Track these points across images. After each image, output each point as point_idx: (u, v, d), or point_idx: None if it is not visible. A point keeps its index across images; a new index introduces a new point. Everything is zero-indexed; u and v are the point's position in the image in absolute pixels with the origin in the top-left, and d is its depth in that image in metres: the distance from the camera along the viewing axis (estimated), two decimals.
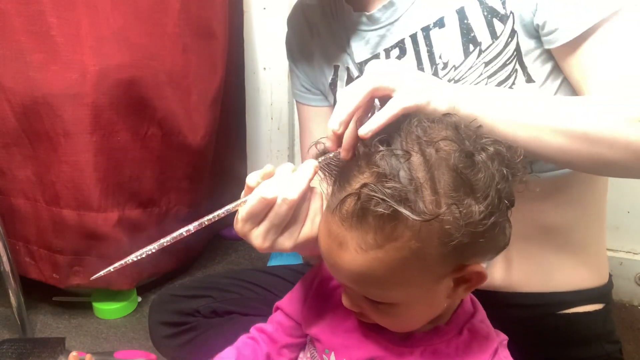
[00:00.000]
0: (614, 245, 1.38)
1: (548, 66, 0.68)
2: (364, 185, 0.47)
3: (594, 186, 0.76)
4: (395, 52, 0.75)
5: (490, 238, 0.49)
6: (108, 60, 1.18)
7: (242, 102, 1.62)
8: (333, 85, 0.85)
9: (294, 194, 0.53)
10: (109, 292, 1.36)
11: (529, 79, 0.69)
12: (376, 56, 0.77)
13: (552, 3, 0.63)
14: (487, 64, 0.69)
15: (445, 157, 0.48)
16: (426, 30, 0.72)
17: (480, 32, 0.69)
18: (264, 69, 1.57)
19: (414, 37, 0.73)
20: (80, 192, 1.22)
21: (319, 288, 0.66)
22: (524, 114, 0.60)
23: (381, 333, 0.58)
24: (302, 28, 0.89)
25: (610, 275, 0.81)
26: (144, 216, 1.32)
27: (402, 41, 0.74)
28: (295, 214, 0.55)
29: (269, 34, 1.52)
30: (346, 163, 0.53)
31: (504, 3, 0.67)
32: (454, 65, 0.71)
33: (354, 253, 0.48)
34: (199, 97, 1.36)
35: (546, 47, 0.67)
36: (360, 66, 0.79)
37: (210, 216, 0.57)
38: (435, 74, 0.72)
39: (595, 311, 0.77)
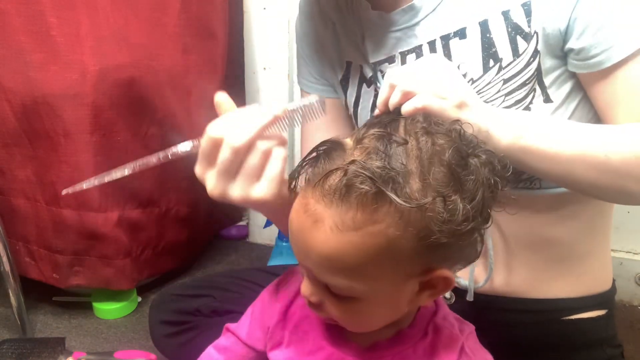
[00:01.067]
0: (614, 245, 1.38)
1: (567, 87, 0.67)
2: (353, 161, 0.45)
3: (600, 201, 0.75)
4: (412, 57, 0.73)
5: (465, 244, 0.48)
6: (108, 60, 1.18)
7: (242, 102, 1.62)
8: (344, 82, 0.82)
9: (238, 139, 0.51)
10: (109, 292, 1.36)
11: (547, 99, 0.67)
12: (391, 58, 0.74)
13: (589, 29, 0.62)
14: (506, 81, 0.67)
15: (440, 150, 0.47)
16: (446, 39, 0.70)
17: (502, 48, 0.67)
18: (264, 69, 1.56)
19: (432, 44, 0.71)
20: (80, 192, 1.22)
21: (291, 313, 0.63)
22: (557, 145, 0.59)
23: (347, 346, 0.57)
24: (314, 16, 0.85)
25: (613, 280, 0.81)
26: (144, 216, 1.32)
27: (419, 47, 0.72)
28: (246, 164, 0.53)
29: (269, 34, 1.52)
30: (331, 143, 0.50)
31: (529, 22, 0.65)
32: (471, 79, 0.69)
33: (328, 232, 0.46)
34: (199, 97, 1.36)
35: (575, 70, 0.65)
36: (375, 66, 0.76)
37: (167, 151, 0.57)
38: None
39: (598, 317, 0.77)
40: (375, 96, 0.76)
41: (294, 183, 0.52)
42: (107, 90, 1.18)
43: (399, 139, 0.47)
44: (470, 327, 0.59)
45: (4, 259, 1.18)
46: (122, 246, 1.30)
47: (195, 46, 1.33)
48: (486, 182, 0.48)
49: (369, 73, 0.78)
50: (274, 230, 1.63)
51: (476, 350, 0.57)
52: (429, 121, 0.50)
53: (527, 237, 0.73)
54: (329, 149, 0.49)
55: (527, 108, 0.67)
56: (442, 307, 0.59)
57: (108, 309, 1.36)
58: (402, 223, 0.45)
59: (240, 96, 1.60)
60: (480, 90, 0.68)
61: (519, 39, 0.66)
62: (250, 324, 0.67)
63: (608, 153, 0.59)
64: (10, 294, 1.22)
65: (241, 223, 1.76)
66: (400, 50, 0.73)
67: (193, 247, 1.54)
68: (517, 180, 0.69)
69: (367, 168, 0.44)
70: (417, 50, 0.72)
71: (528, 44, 0.65)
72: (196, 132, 0.59)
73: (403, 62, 0.73)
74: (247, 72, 1.59)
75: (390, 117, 0.52)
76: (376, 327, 0.54)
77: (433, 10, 0.69)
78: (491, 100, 0.68)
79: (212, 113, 0.58)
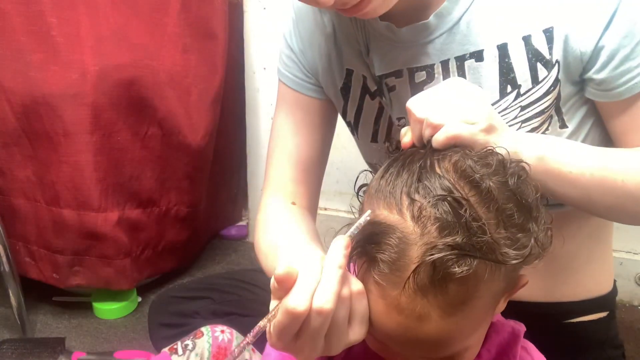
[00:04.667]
0: (614, 245, 1.37)
1: (582, 111, 0.66)
2: (433, 246, 0.42)
3: None
4: (421, 75, 0.68)
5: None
6: (108, 60, 1.18)
7: (242, 102, 1.62)
8: (345, 91, 0.77)
9: (328, 303, 0.44)
10: (109, 292, 1.36)
11: (563, 125, 0.65)
12: (398, 73, 0.69)
13: (614, 60, 0.60)
14: (523, 108, 0.64)
15: (493, 184, 0.45)
16: (461, 60, 0.65)
17: (522, 74, 0.63)
18: (264, 69, 1.56)
19: (445, 64, 0.66)
20: (80, 192, 1.22)
21: None
22: (577, 169, 0.58)
23: None
24: (315, 15, 0.77)
25: (614, 281, 0.81)
26: (144, 216, 1.32)
27: (431, 66, 0.67)
28: (336, 319, 0.46)
29: (269, 34, 1.52)
30: (374, 227, 0.45)
31: (550, 49, 0.62)
32: None
33: (438, 321, 0.44)
34: (199, 97, 1.36)
35: (593, 98, 0.64)
36: (380, 79, 0.71)
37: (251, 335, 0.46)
38: None
39: (600, 319, 0.77)
40: (380, 109, 0.74)
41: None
42: (107, 90, 1.18)
43: (458, 197, 0.43)
44: (522, 326, 0.59)
45: (4, 259, 1.18)
46: (122, 246, 1.30)
47: (195, 46, 1.33)
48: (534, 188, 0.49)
49: (373, 86, 0.73)
50: None
51: (529, 346, 0.58)
52: (468, 158, 0.47)
53: None
54: (379, 236, 0.44)
55: (543, 134, 0.66)
56: None
57: (108, 309, 1.36)
58: (502, 274, 0.45)
59: (240, 96, 1.60)
60: None
61: (539, 66, 0.62)
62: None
63: (625, 178, 0.58)
64: (10, 294, 1.22)
65: (241, 223, 1.75)
66: (409, 67, 0.68)
67: (193, 247, 1.54)
68: None
69: (453, 246, 0.41)
70: (429, 69, 0.67)
71: (549, 72, 0.62)
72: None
73: (411, 78, 0.68)
74: (247, 72, 1.59)
75: (416, 156, 0.49)
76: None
77: (449, 29, 0.65)
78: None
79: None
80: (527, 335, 0.59)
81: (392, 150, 0.63)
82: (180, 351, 0.82)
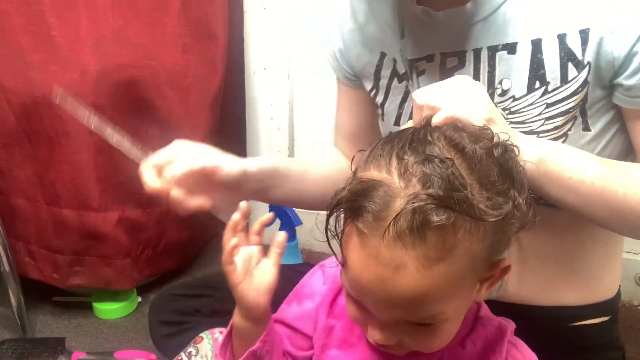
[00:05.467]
0: None
1: (607, 117, 0.65)
2: (415, 195, 0.43)
3: None
4: (453, 61, 0.68)
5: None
6: (108, 60, 1.18)
7: (242, 102, 1.62)
8: (377, 73, 0.77)
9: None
10: (109, 292, 1.36)
11: (586, 127, 0.65)
12: (430, 57, 0.70)
13: None
14: (549, 105, 0.64)
15: (481, 150, 0.47)
16: (493, 50, 0.66)
17: (551, 72, 0.63)
18: (264, 69, 1.56)
19: (477, 53, 0.67)
20: (80, 192, 1.22)
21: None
22: (577, 176, 0.59)
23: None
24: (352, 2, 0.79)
25: (619, 286, 0.81)
26: (144, 216, 1.32)
27: (463, 53, 0.67)
28: None
29: (269, 34, 1.52)
30: (361, 184, 0.47)
31: (584, 50, 0.61)
32: (513, 96, 0.66)
33: (415, 273, 0.44)
34: (199, 97, 1.36)
35: (620, 104, 0.64)
36: (411, 64, 0.72)
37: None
38: (491, 98, 0.65)
39: (603, 322, 0.76)
40: (406, 93, 0.75)
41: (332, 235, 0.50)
42: (107, 90, 1.18)
43: (443, 157, 0.45)
44: (511, 323, 0.59)
45: (4, 259, 1.18)
46: (122, 246, 1.30)
47: (195, 46, 1.33)
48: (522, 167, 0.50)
49: (402, 69, 0.74)
50: (273, 229, 1.63)
51: (519, 342, 0.58)
52: (459, 131, 0.49)
53: (542, 249, 0.72)
54: (366, 191, 0.46)
55: (565, 135, 0.65)
56: (482, 302, 0.60)
57: (108, 309, 1.36)
58: (481, 235, 0.45)
59: (240, 96, 1.60)
60: (520, 109, 0.66)
61: (570, 65, 0.62)
62: (305, 314, 0.65)
63: (627, 192, 0.59)
64: (10, 294, 1.22)
65: None
66: (442, 51, 0.69)
67: (193, 247, 1.54)
68: (539, 197, 0.66)
69: (434, 197, 0.43)
70: (460, 55, 0.68)
71: (579, 72, 0.62)
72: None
73: (443, 63, 0.69)
74: (247, 72, 1.59)
75: (412, 132, 0.50)
76: (450, 340, 0.53)
77: (485, 17, 0.65)
78: (529, 122, 0.65)
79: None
80: (529, 337, 0.59)
81: None
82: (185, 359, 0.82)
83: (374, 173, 0.48)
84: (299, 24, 1.47)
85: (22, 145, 1.20)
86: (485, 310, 0.59)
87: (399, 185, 0.45)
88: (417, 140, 0.48)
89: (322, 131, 1.16)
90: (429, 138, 0.48)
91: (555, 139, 0.65)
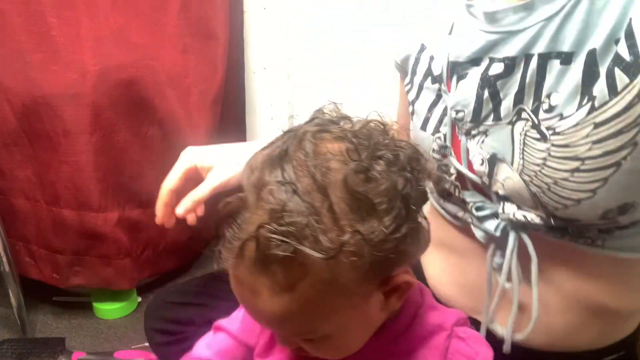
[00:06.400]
0: None
1: None
2: (260, 226, 0.43)
3: None
4: (498, 67, 0.59)
5: (406, 245, 0.47)
6: (108, 60, 1.18)
7: (242, 102, 1.62)
8: (414, 67, 0.72)
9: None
10: (109, 292, 1.36)
11: None
12: (477, 61, 0.61)
13: None
14: (597, 125, 0.52)
15: (338, 178, 0.44)
16: (544, 58, 0.56)
17: (597, 83, 0.52)
18: (264, 69, 1.56)
19: (527, 59, 0.57)
20: (80, 192, 1.22)
21: None
22: None
23: None
24: None
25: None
26: (144, 216, 1.32)
27: (512, 59, 0.58)
28: None
29: (269, 34, 1.52)
30: (234, 202, 0.48)
31: (632, 47, 0.50)
32: (560, 114, 0.55)
33: (268, 299, 0.45)
34: (199, 97, 1.36)
35: None
36: (453, 67, 0.64)
37: None
38: (535, 112, 0.57)
39: (619, 357, 0.71)
40: (438, 96, 0.68)
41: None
42: (107, 90, 1.18)
43: (293, 184, 0.44)
44: (462, 314, 0.58)
45: (4, 259, 1.18)
46: (122, 246, 1.30)
47: (195, 46, 1.33)
48: (401, 182, 0.46)
49: (437, 69, 0.67)
50: None
51: (471, 333, 0.56)
52: (312, 144, 0.47)
53: (576, 295, 0.65)
54: (234, 211, 0.47)
55: (618, 164, 0.52)
56: (427, 298, 0.58)
57: (108, 309, 1.36)
58: (332, 266, 0.44)
59: (240, 96, 1.60)
60: (565, 130, 0.54)
61: (617, 71, 0.50)
62: (245, 317, 0.65)
63: None
64: (10, 294, 1.22)
65: None
66: (490, 55, 0.60)
67: (193, 247, 1.53)
68: (579, 236, 0.60)
69: (276, 230, 0.42)
70: (508, 62, 0.58)
71: (631, 78, 0.50)
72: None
73: (487, 68, 0.60)
74: (247, 72, 1.59)
75: (279, 146, 0.49)
76: (360, 346, 0.53)
77: (547, 18, 0.56)
78: (574, 146, 0.54)
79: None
80: None
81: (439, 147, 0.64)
82: None
83: (246, 193, 0.48)
84: (299, 24, 1.47)
85: (22, 145, 1.21)
86: (429, 304, 0.57)
87: (255, 210, 0.45)
88: (282, 160, 0.46)
89: None
90: (292, 161, 0.46)
91: (604, 168, 0.53)
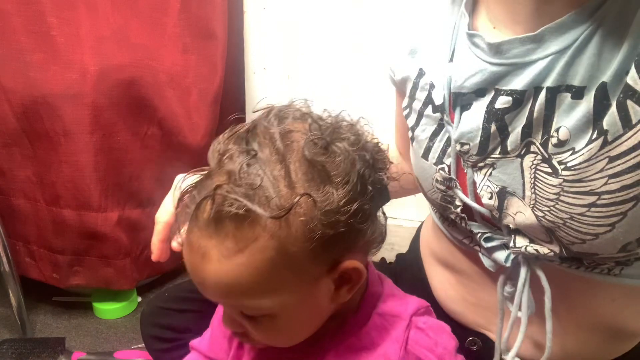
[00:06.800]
0: None
1: None
2: (217, 186, 0.45)
3: None
4: (505, 101, 0.56)
5: (358, 228, 0.48)
6: (108, 60, 1.18)
7: (242, 102, 1.62)
8: (414, 90, 0.68)
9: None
10: (109, 292, 1.36)
11: None
12: (481, 92, 0.58)
13: None
14: (612, 159, 0.50)
15: (297, 147, 0.47)
16: (553, 92, 0.53)
17: (608, 116, 0.49)
18: (264, 69, 1.56)
19: (537, 92, 0.54)
20: (80, 192, 1.22)
21: None
22: None
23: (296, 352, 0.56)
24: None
25: None
26: (144, 216, 1.32)
27: (521, 92, 0.55)
28: None
29: (269, 34, 1.52)
30: (201, 173, 0.51)
31: None
32: (572, 148, 0.52)
33: (217, 263, 0.46)
34: (199, 97, 1.36)
35: None
36: (455, 97, 0.60)
37: None
38: (545, 146, 0.54)
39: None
40: (440, 126, 0.64)
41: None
42: (107, 90, 1.18)
43: (254, 150, 0.47)
44: (423, 303, 0.58)
45: (4, 259, 1.18)
46: (122, 246, 1.30)
47: (195, 46, 1.33)
48: (360, 161, 0.49)
49: (439, 99, 0.63)
50: None
51: (431, 323, 0.56)
52: (281, 121, 0.50)
53: (591, 319, 0.64)
54: (201, 181, 0.49)
55: (637, 197, 0.50)
56: (387, 288, 0.58)
57: (108, 309, 1.36)
58: (283, 231, 0.45)
59: (240, 96, 1.60)
60: (577, 164, 0.52)
61: (629, 103, 0.48)
62: (212, 334, 0.66)
63: None
64: (10, 294, 1.22)
65: None
66: (496, 87, 0.57)
67: None
68: (595, 267, 0.59)
69: (232, 189, 0.45)
70: (517, 96, 0.55)
71: None
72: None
73: (492, 101, 0.57)
74: (247, 72, 1.59)
75: (247, 126, 0.52)
76: (306, 336, 0.54)
77: (559, 51, 0.52)
78: (589, 180, 0.52)
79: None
80: None
81: (443, 179, 0.63)
82: None
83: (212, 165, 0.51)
84: (299, 24, 1.47)
85: (22, 145, 1.21)
86: (389, 295, 0.57)
87: (213, 177, 0.48)
88: (248, 133, 0.50)
89: None
90: (257, 131, 0.50)
91: (622, 202, 0.51)
